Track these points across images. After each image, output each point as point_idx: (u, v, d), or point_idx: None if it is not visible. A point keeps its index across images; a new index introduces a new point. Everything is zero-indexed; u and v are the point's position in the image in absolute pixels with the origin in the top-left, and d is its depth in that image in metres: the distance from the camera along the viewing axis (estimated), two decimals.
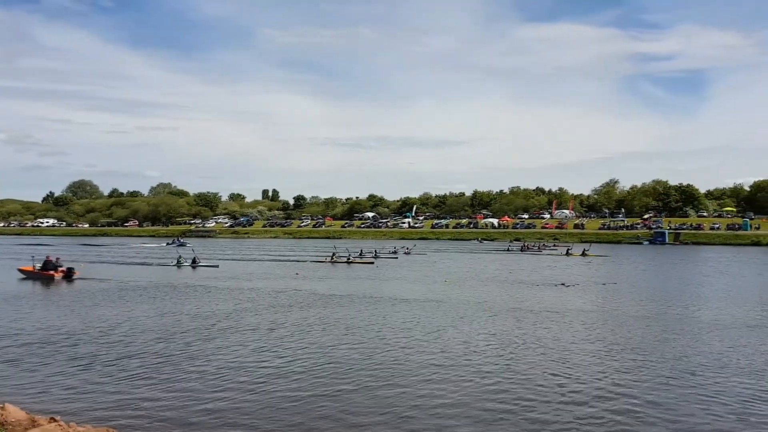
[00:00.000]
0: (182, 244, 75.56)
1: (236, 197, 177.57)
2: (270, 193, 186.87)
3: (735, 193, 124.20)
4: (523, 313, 20.67)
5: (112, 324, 18.23)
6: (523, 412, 10.26)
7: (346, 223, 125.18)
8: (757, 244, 78.17)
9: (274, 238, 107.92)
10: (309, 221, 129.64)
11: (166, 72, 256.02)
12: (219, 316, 19.65)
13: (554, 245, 74.06)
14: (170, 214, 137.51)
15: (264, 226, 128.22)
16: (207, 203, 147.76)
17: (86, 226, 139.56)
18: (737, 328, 17.98)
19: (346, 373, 12.62)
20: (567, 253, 56.44)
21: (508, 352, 14.53)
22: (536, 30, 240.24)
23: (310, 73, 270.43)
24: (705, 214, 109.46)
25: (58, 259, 33.97)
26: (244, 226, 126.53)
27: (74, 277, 32.16)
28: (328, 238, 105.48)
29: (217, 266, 41.12)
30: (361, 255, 48.27)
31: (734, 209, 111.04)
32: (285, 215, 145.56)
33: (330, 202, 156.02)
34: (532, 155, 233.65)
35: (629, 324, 18.60)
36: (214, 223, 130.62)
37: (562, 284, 30.15)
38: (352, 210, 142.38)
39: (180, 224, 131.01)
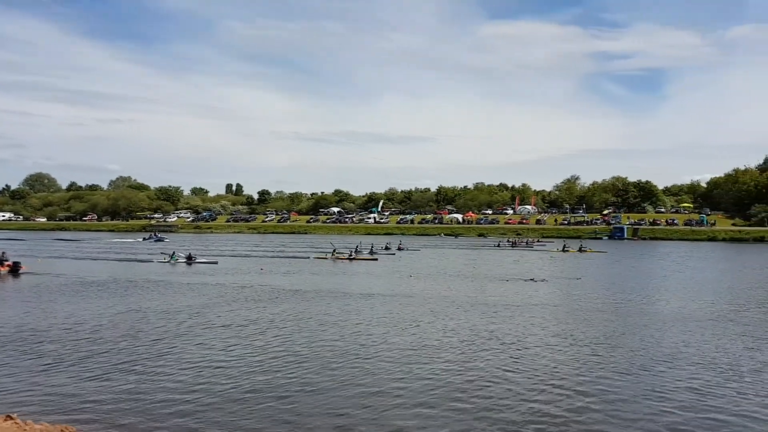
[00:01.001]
0: (160, 239, 73.98)
1: (199, 192, 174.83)
2: (234, 188, 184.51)
3: (692, 189, 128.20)
4: (495, 307, 20.96)
5: (63, 320, 17.75)
6: (473, 407, 10.37)
7: (312, 218, 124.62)
8: (713, 239, 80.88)
9: (238, 233, 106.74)
10: (274, 216, 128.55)
11: (127, 64, 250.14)
12: (190, 312, 19.34)
13: (537, 241, 73.41)
14: (130, 209, 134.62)
15: (227, 221, 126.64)
16: (168, 197, 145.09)
17: (44, 220, 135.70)
18: (693, 321, 18.53)
19: (338, 372, 12.61)
20: (563, 250, 55.48)
21: (465, 346, 14.70)
22: (500, 27, 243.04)
23: (275, 66, 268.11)
24: (663, 210, 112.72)
25: (3, 253, 33.15)
26: (207, 221, 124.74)
27: (21, 271, 31.39)
28: (293, 233, 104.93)
29: (216, 263, 39.77)
30: (357, 251, 46.91)
31: (691, 205, 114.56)
32: (249, 210, 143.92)
33: (295, 197, 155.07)
34: (496, 152, 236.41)
35: (589, 317, 19.03)
36: (175, 218, 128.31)
37: (532, 279, 30.70)
38: (317, 205, 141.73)
39: (140, 219, 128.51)
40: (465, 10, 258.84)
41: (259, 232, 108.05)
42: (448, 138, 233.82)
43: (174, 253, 41.57)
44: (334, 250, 46.24)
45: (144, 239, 76.51)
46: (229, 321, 18.28)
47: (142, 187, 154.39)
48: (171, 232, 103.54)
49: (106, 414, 9.97)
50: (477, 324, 17.95)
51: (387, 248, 55.05)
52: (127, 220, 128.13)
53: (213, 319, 18.50)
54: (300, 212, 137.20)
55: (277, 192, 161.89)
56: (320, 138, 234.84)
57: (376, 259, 44.98)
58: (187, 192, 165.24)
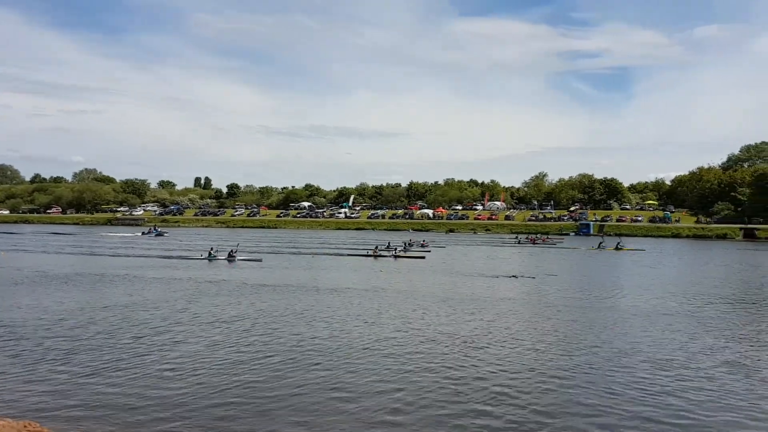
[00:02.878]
0: (160, 234, 72.05)
1: (166, 185, 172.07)
2: (202, 181, 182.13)
3: (657, 187, 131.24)
4: (482, 303, 21.18)
5: (28, 314, 17.38)
6: (430, 403, 10.49)
7: (282, 213, 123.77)
8: (676, 236, 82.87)
9: (206, 227, 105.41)
10: (243, 210, 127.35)
11: (94, 55, 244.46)
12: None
13: (544, 239, 71.09)
14: (95, 201, 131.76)
15: (195, 214, 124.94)
16: (135, 190, 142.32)
17: (6, 212, 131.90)
18: (656, 315, 19.02)
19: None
20: (599, 247, 53.89)
21: (431, 340, 14.88)
22: (471, 24, 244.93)
23: (245, 60, 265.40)
24: (628, 207, 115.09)
25: None
26: (174, 215, 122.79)
27: None
28: (263, 227, 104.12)
29: (260, 260, 38.03)
30: (406, 248, 44.93)
31: (656, 202, 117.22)
32: (218, 204, 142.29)
33: (265, 191, 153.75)
34: (467, 148, 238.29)
35: (559, 313, 19.39)
36: (142, 211, 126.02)
37: (513, 276, 30.79)
38: (287, 199, 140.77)
39: (106, 212, 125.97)
40: (437, 7, 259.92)
41: (228, 227, 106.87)
42: (420, 134, 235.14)
43: (212, 249, 39.45)
44: (376, 247, 44.52)
45: (143, 233, 74.05)
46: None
47: (107, 180, 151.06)
48: (138, 225, 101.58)
49: (69, 406, 9.86)
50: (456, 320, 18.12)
51: (410, 245, 50.85)
52: (92, 213, 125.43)
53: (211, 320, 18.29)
54: (270, 206, 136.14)
55: (247, 186, 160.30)
56: (291, 132, 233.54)
57: (424, 257, 42.54)
58: (154, 185, 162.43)
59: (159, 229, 77.24)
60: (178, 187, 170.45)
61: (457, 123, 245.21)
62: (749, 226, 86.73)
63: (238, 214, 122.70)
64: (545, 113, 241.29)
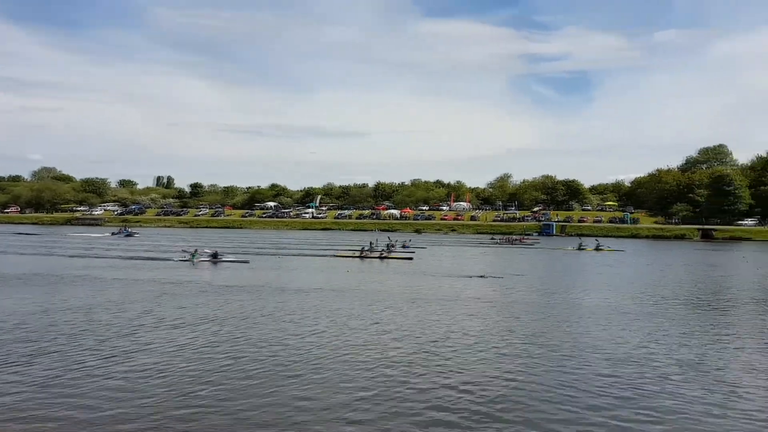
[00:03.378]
0: (130, 234, 69.75)
1: (127, 184, 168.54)
2: (164, 181, 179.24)
3: (616, 188, 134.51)
4: (440, 302, 21.13)
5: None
6: (393, 403, 10.39)
7: (247, 213, 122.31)
8: (635, 236, 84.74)
9: (168, 227, 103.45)
10: (207, 210, 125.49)
11: (51, 50, 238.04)
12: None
13: (522, 239, 71.69)
14: (54, 201, 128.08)
15: (157, 214, 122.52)
16: (94, 190, 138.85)
17: None
18: (618, 314, 19.28)
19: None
20: (579, 248, 53.79)
21: (391, 339, 14.78)
22: (435, 25, 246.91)
23: (208, 56, 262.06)
24: (589, 207, 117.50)
25: None
26: (135, 215, 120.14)
27: None
28: (227, 227, 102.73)
29: (247, 262, 36.37)
30: (389, 249, 44.03)
31: (616, 203, 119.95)
32: (180, 203, 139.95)
33: (229, 191, 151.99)
34: (433, 148, 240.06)
35: (521, 312, 19.50)
36: (102, 211, 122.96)
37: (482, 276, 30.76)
38: (252, 199, 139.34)
39: (65, 211, 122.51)
40: (400, 7, 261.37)
41: (191, 227, 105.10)
42: (386, 134, 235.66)
43: (196, 251, 37.51)
44: (363, 249, 43.25)
45: (113, 234, 71.46)
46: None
47: (66, 179, 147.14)
48: (98, 225, 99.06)
49: (25, 418, 9.42)
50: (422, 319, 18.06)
51: (392, 246, 48.22)
52: (51, 213, 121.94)
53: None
54: (235, 206, 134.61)
55: (211, 185, 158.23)
56: (255, 131, 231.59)
57: (411, 258, 41.36)
58: (114, 184, 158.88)
59: (129, 230, 74.77)
60: (139, 187, 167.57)
61: (423, 123, 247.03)
62: (707, 226, 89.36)
63: (202, 214, 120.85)
64: (508, 115, 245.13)
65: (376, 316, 18.56)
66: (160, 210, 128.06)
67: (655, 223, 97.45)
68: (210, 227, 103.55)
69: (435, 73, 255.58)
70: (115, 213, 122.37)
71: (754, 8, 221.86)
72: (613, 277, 32.00)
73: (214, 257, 36.46)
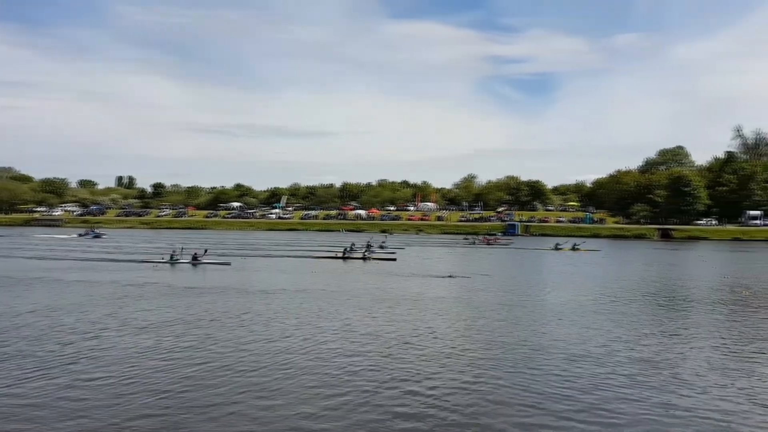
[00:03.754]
0: (98, 236, 67.62)
1: (87, 184, 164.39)
2: (125, 181, 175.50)
3: (578, 189, 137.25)
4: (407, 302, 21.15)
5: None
6: (354, 405, 10.42)
7: (211, 213, 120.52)
8: (596, 236, 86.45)
9: (130, 228, 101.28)
10: (169, 211, 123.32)
11: (8, 46, 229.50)
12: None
13: (496, 239, 72.09)
14: (12, 201, 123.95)
15: (118, 215, 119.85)
16: (53, 190, 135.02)
17: None
18: (580, 312, 19.62)
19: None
20: (555, 248, 54.14)
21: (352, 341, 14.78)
22: (401, 26, 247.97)
23: (171, 54, 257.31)
24: (551, 208, 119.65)
25: None
26: (96, 215, 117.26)
27: None
28: (190, 228, 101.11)
29: (228, 264, 34.93)
30: (351, 250, 43.42)
31: (577, 204, 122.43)
32: (142, 204, 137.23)
33: (193, 191, 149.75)
34: (399, 149, 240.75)
35: (483, 312, 19.69)
36: (61, 212, 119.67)
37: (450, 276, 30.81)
38: (216, 200, 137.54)
39: (23, 212, 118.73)
40: (366, 7, 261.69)
41: (152, 228, 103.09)
42: (352, 134, 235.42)
43: (174, 251, 36.29)
44: (346, 249, 42.75)
45: (80, 235, 69.12)
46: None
47: (24, 179, 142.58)
48: (57, 226, 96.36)
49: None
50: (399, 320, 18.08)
51: (369, 246, 47.56)
52: (9, 214, 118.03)
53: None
54: (198, 207, 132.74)
55: (173, 185, 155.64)
56: (220, 130, 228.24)
57: (395, 259, 40.85)
58: (74, 184, 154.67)
59: (96, 231, 72.58)
60: (100, 187, 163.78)
61: (390, 124, 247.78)
62: (665, 226, 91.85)
63: (164, 215, 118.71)
64: (474, 116, 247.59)
65: (352, 316, 18.53)
66: (120, 211, 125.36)
67: (616, 223, 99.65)
68: (172, 228, 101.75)
69: (402, 74, 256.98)
70: (75, 214, 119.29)
71: (709, 14, 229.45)
72: (577, 276, 32.57)
73: (194, 259, 35.50)
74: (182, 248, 37.77)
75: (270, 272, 32.85)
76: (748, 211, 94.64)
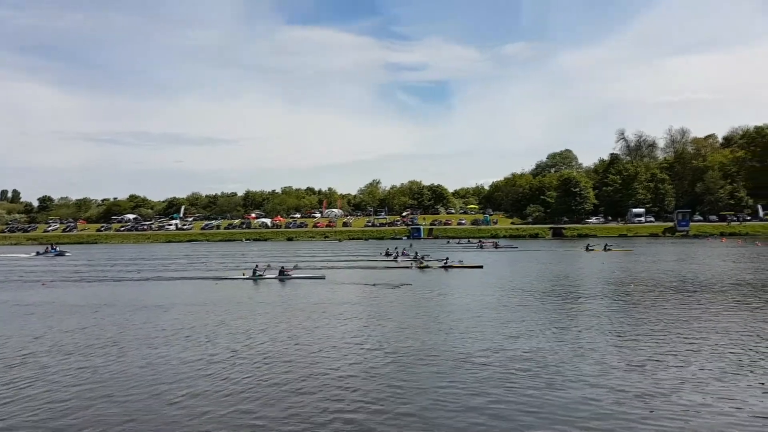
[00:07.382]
0: (60, 254, 62.11)
1: None
2: (9, 195, 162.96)
3: (477, 192, 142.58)
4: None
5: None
6: (274, 409, 10.53)
7: (103, 227, 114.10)
8: (495, 236, 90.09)
9: (15, 245, 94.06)
10: (58, 225, 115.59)
11: None
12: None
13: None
14: None
15: (3, 231, 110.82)
16: None
17: None
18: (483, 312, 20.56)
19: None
20: (587, 249, 54.35)
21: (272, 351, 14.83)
22: (298, 32, 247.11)
23: (55, 60, 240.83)
24: (453, 211, 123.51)
25: None
26: None
27: None
28: (80, 243, 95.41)
29: (323, 278, 32.96)
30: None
31: (477, 206, 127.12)
32: (28, 219, 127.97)
33: (83, 204, 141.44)
34: (303, 155, 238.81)
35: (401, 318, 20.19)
36: None
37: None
38: (109, 212, 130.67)
39: None
40: (261, 13, 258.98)
41: (40, 243, 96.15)
42: (254, 141, 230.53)
43: (257, 266, 34.08)
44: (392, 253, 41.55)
45: (38, 253, 63.55)
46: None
47: None
48: None
49: None
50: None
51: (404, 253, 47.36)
52: None
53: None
54: (89, 220, 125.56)
55: (62, 198, 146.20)
56: (111, 139, 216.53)
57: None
58: None
59: (58, 248, 67.02)
60: None
61: (292, 129, 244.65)
62: (558, 225, 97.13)
63: (52, 230, 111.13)
64: (375, 122, 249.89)
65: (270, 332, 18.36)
66: (5, 226, 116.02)
67: (512, 223, 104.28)
68: (61, 243, 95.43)
69: (301, 80, 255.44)
70: None
71: (592, 24, 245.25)
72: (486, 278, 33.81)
73: (282, 273, 33.49)
74: (262, 265, 34.85)
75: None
76: (632, 209, 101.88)
